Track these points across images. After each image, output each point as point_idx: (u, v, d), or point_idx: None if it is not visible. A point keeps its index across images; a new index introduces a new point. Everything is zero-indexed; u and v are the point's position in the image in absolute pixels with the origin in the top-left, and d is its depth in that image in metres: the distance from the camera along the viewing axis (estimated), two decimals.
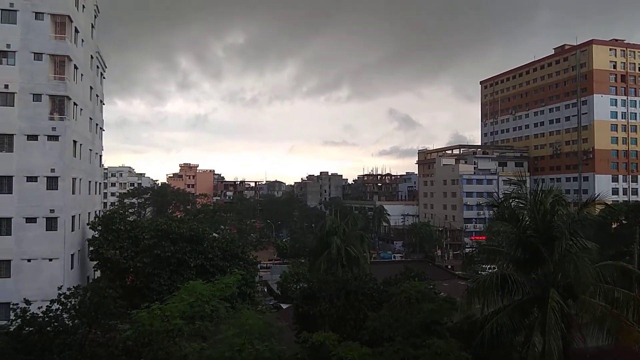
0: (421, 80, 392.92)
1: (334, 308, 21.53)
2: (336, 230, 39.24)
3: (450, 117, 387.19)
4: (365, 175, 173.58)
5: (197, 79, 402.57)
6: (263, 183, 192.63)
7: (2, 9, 36.36)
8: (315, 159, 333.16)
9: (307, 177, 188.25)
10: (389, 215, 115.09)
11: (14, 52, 36.67)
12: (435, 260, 75.97)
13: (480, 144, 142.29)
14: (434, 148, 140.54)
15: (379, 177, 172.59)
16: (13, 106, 36.42)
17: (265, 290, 56.29)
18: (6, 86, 36.30)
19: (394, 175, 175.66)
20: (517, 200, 18.18)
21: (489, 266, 19.26)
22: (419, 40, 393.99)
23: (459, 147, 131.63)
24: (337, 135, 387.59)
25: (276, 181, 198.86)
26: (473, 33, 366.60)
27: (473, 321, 17.65)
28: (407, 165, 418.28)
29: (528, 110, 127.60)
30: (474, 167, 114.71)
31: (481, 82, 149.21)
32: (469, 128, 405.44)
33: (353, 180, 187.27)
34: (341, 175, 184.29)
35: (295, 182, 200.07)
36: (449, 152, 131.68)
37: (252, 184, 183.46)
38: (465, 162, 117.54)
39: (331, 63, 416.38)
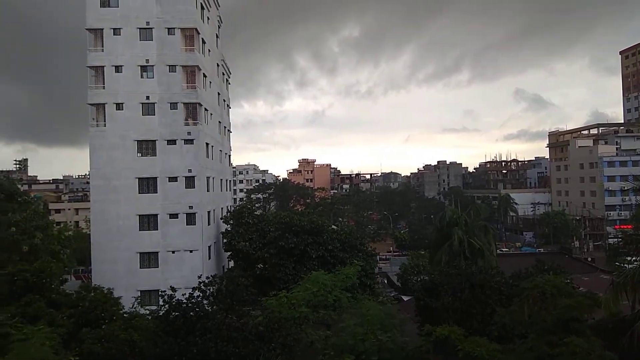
0: (552, 56, 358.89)
1: (458, 302, 20.79)
2: (457, 221, 37.83)
3: (587, 93, 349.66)
4: (488, 162, 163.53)
5: (314, 76, 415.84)
6: (378, 175, 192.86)
7: (140, 28, 40.87)
8: (433, 147, 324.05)
9: (423, 167, 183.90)
10: (516, 204, 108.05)
11: (152, 66, 41.06)
12: (573, 253, 69.38)
13: (622, 121, 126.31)
14: (568, 129, 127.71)
15: (503, 163, 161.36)
16: (154, 115, 40.89)
17: (385, 282, 56.27)
18: (147, 97, 40.83)
19: (520, 161, 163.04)
20: None
21: (636, 258, 17.02)
22: (548, 13, 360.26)
23: (597, 126, 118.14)
24: (456, 122, 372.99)
25: (391, 172, 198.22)
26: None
27: (620, 319, 15.83)
28: (536, 150, 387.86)
29: None
30: (617, 148, 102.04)
31: (621, 52, 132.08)
32: (609, 104, 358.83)
33: (474, 168, 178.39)
34: (460, 164, 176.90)
35: (411, 173, 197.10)
36: (586, 132, 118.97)
37: (368, 176, 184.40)
38: (606, 143, 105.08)
39: (449, 46, 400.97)
